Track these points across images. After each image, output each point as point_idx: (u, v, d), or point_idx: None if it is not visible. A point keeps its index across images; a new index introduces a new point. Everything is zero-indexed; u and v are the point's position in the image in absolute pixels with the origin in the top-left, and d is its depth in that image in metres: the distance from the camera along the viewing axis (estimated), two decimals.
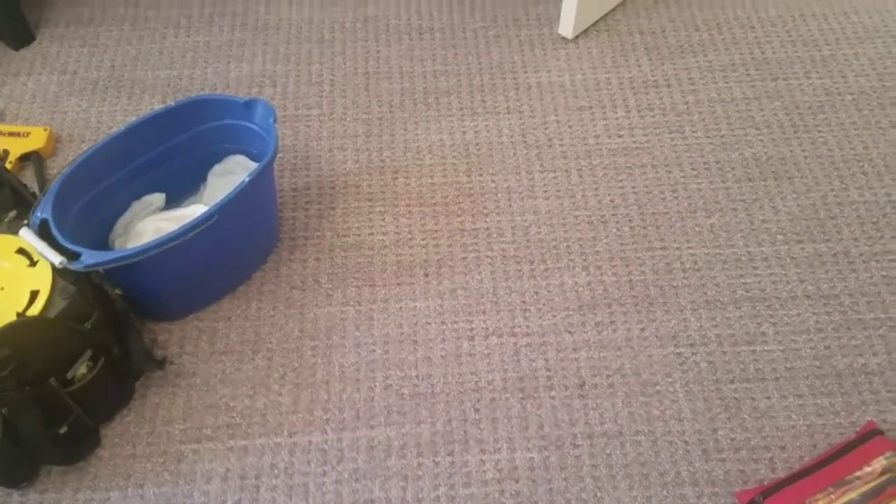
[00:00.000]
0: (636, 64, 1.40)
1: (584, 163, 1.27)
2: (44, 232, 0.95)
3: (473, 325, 1.09)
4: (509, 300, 1.12)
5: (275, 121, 1.07)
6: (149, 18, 1.48)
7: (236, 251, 1.09)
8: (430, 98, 1.36)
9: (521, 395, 1.03)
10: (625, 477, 0.96)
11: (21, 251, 0.97)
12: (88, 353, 0.94)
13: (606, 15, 1.48)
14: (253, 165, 1.15)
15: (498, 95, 1.36)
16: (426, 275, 1.14)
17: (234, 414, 1.02)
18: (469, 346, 1.07)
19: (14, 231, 0.98)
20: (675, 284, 1.13)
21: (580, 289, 1.13)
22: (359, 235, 1.19)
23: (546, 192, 1.23)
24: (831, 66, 1.40)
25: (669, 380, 1.04)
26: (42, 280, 0.94)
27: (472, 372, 1.05)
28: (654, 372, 1.05)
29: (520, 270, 1.15)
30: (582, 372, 1.05)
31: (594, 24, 1.46)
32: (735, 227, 1.19)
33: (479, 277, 1.14)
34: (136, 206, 1.12)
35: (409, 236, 1.18)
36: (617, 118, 1.33)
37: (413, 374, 1.05)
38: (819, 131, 1.31)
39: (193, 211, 1.10)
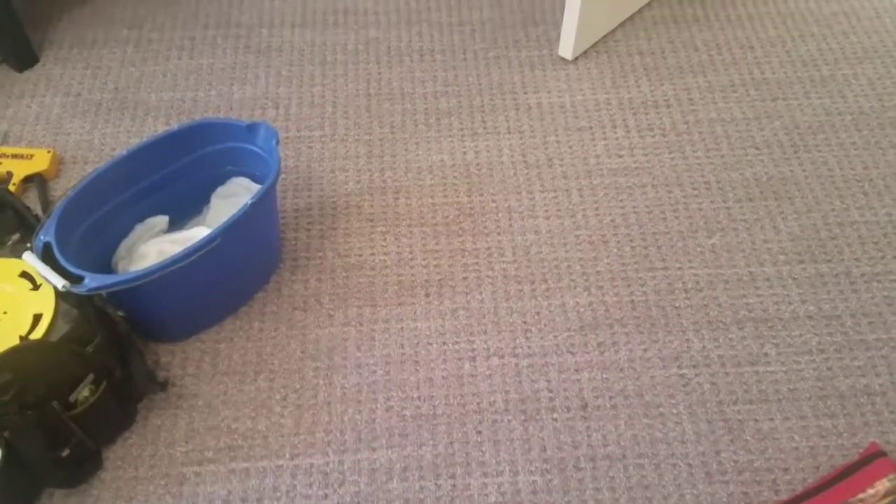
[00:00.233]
0: (636, 84, 1.41)
1: (585, 182, 1.27)
2: (47, 255, 0.96)
3: (475, 346, 1.09)
4: (510, 320, 1.12)
5: (277, 143, 1.08)
6: (152, 41, 1.49)
7: (239, 273, 1.09)
8: (431, 119, 1.37)
9: (523, 417, 1.03)
10: (628, 500, 0.96)
11: (24, 275, 0.98)
12: (91, 376, 0.95)
13: (606, 36, 1.49)
14: (256, 188, 1.15)
15: (498, 116, 1.37)
16: (427, 295, 1.15)
17: (236, 436, 1.02)
18: (470, 367, 1.07)
19: (17, 254, 0.98)
20: (676, 305, 1.13)
21: (582, 309, 1.13)
22: (360, 256, 1.19)
23: (547, 211, 1.24)
24: (831, 87, 1.41)
25: (672, 401, 1.04)
26: (45, 304, 0.95)
27: (473, 393, 1.05)
28: (658, 393, 1.05)
29: (521, 290, 1.15)
30: (584, 393, 1.05)
31: (594, 46, 1.47)
32: (736, 246, 1.20)
33: (480, 297, 1.14)
34: (140, 229, 1.13)
35: (410, 256, 1.19)
36: (617, 138, 1.33)
37: (414, 396, 1.05)
38: (819, 151, 1.31)
39: (197, 233, 1.11)
